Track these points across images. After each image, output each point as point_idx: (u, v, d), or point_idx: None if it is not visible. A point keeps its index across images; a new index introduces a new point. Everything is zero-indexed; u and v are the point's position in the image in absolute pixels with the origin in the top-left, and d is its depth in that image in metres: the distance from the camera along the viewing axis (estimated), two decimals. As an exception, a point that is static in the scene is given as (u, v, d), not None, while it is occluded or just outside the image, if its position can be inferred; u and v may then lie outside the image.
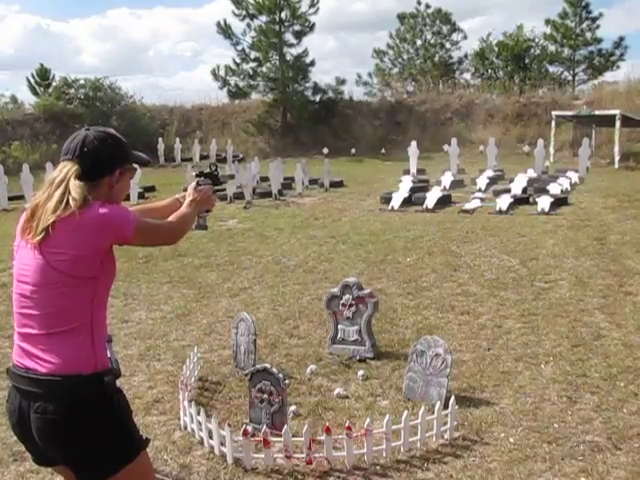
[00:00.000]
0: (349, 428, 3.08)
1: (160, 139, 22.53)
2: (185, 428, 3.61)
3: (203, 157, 22.05)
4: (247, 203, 12.50)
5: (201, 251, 8.53)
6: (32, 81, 28.40)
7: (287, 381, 3.53)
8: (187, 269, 7.60)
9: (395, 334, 5.03)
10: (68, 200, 1.92)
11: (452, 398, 3.47)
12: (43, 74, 27.81)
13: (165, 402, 4.01)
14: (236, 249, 8.60)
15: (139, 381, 4.38)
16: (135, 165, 2.20)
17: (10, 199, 13.67)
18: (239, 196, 13.12)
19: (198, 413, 3.43)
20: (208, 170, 2.48)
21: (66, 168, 2.01)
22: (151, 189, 15.23)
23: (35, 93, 27.24)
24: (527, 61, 30.43)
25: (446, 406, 3.44)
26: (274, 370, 3.46)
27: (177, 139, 22.71)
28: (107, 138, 2.09)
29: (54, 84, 26.42)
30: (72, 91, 24.47)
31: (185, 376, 3.99)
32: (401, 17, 33.52)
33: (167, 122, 25.68)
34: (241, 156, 22.14)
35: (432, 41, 33.71)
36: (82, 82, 24.57)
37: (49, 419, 1.90)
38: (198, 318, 5.76)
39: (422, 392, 3.78)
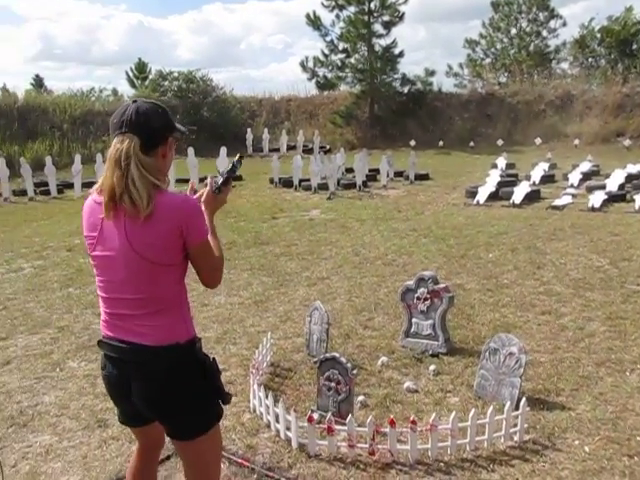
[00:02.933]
0: (413, 422, 3.05)
1: (249, 129, 23.06)
2: (254, 411, 3.70)
3: (290, 148, 22.38)
4: (331, 194, 12.58)
5: (283, 240, 8.68)
6: (131, 75, 29.91)
7: (355, 371, 3.53)
8: (268, 257, 7.75)
9: (470, 330, 4.91)
10: (150, 180, 1.94)
11: (523, 399, 3.35)
12: (141, 68, 29.19)
13: (237, 384, 4.12)
14: (317, 239, 8.68)
15: (215, 363, 4.52)
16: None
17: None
18: (323, 187, 13.24)
19: (266, 397, 3.51)
20: (225, 171, 2.36)
21: (126, 142, 1.96)
22: (238, 178, 15.60)
23: (133, 86, 28.67)
24: (635, 47, 28.45)
25: (517, 407, 3.33)
26: (342, 359, 3.48)
27: (265, 130, 23.15)
28: (157, 108, 2.07)
29: (150, 77, 27.63)
30: (166, 83, 25.46)
31: (257, 360, 4.09)
32: (495, 5, 32.31)
33: (256, 113, 26.27)
34: (328, 147, 22.28)
35: (528, 29, 32.26)
36: (176, 75, 25.53)
37: (152, 382, 2.05)
38: (275, 305, 5.87)
39: (494, 391, 3.68)
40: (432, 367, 4.20)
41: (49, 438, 3.57)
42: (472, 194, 11.43)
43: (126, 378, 2.08)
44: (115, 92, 29.21)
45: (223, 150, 14.72)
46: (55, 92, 26.61)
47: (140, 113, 2.00)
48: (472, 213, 10.23)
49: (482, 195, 11.14)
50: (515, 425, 3.27)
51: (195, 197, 2.32)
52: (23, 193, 14.17)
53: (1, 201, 13.71)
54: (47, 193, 14.35)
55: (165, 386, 2.06)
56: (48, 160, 14.61)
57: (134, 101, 2.06)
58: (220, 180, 2.34)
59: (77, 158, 14.81)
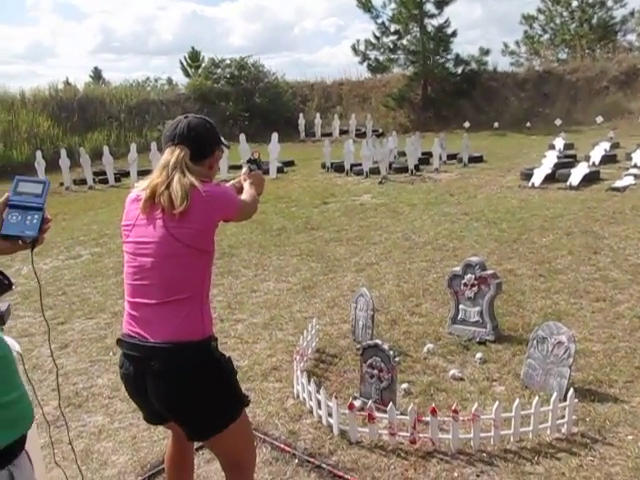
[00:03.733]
0: (455, 411, 3.02)
1: (301, 114, 23.10)
2: (297, 397, 3.74)
3: (343, 132, 22.29)
4: (382, 178, 12.47)
5: (333, 225, 8.68)
6: (184, 63, 30.37)
7: (397, 359, 3.51)
8: (317, 242, 7.77)
9: (520, 317, 4.80)
10: (189, 180, 2.08)
11: (571, 390, 3.25)
12: (194, 56, 29.58)
13: (282, 370, 4.17)
14: (367, 224, 8.64)
15: (260, 348, 4.59)
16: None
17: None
18: (375, 171, 13.13)
19: (309, 383, 3.53)
20: (253, 158, 2.64)
21: (176, 152, 2.16)
22: (290, 163, 15.68)
23: (187, 75, 29.09)
24: None
25: (566, 398, 3.24)
26: (385, 347, 3.46)
27: (317, 114, 23.12)
28: (205, 123, 2.27)
29: (203, 65, 27.97)
30: (219, 71, 25.72)
31: (301, 346, 4.12)
32: (556, -23, 31.06)
33: (308, 98, 26.23)
34: (380, 131, 22.08)
35: (591, 0, 30.86)
36: (228, 62, 25.75)
37: (165, 380, 2.07)
38: (323, 291, 5.89)
39: (541, 381, 3.59)
40: (479, 355, 4.13)
41: (102, 419, 3.71)
42: (527, 176, 11.10)
43: (142, 376, 2.11)
44: (170, 81, 29.80)
45: (275, 136, 14.79)
46: (112, 83, 27.28)
47: (191, 128, 2.21)
48: (526, 196, 9.94)
49: (537, 177, 10.80)
50: (563, 417, 3.18)
51: (235, 180, 2.64)
52: (83, 182, 14.67)
53: (63, 190, 14.24)
54: (105, 182, 14.81)
55: (179, 386, 2.08)
56: (106, 150, 15.07)
57: (186, 116, 2.27)
58: (246, 169, 2.63)
59: (133, 147, 15.19)
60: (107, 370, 4.33)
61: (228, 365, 2.18)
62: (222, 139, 2.34)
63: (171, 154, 2.17)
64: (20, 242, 1.64)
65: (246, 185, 2.54)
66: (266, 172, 13.89)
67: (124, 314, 2.20)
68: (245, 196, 2.45)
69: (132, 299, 2.16)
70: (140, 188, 2.19)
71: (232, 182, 2.65)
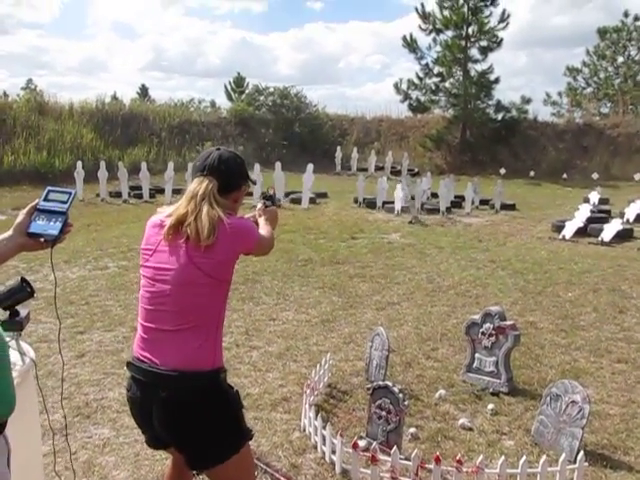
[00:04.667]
0: (459, 462, 2.97)
1: (338, 147, 23.36)
2: (304, 430, 3.72)
3: (378, 168, 22.43)
4: (413, 218, 12.48)
5: (358, 261, 8.69)
6: (229, 87, 31.09)
7: (407, 402, 3.48)
8: (341, 277, 7.78)
9: (537, 372, 4.72)
10: (217, 213, 2.11)
11: (581, 453, 3.17)
12: (239, 82, 30.30)
13: (292, 402, 4.16)
14: (392, 263, 8.63)
15: (272, 378, 4.59)
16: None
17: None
18: (406, 210, 13.15)
19: (315, 418, 3.52)
20: (270, 194, 2.71)
21: (205, 183, 2.19)
22: (323, 195, 15.79)
23: (230, 99, 29.78)
24: None
25: (576, 460, 3.16)
26: (395, 389, 3.44)
27: (355, 148, 23.36)
28: (236, 158, 2.31)
29: (247, 91, 28.60)
30: (262, 98, 26.28)
31: (313, 380, 4.11)
32: (602, 32, 31.10)
33: (347, 131, 26.55)
34: (416, 170, 22.16)
35: (637, 57, 30.80)
36: (271, 90, 26.33)
37: (171, 409, 2.09)
38: (341, 326, 5.88)
39: (552, 439, 3.52)
40: (490, 406, 4.06)
41: (108, 432, 3.75)
42: (559, 228, 11.01)
43: (149, 402, 2.12)
44: (213, 104, 30.51)
45: (310, 167, 14.96)
46: (157, 101, 28.09)
47: (222, 161, 2.24)
48: (556, 248, 9.84)
49: (569, 230, 10.70)
50: (571, 479, 3.11)
51: (250, 215, 2.65)
52: (118, 195, 15.02)
53: (98, 201, 14.58)
54: (140, 197, 15.14)
55: (184, 416, 2.08)
56: (143, 165, 15.43)
57: (218, 149, 2.30)
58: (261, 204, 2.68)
59: (170, 165, 15.54)
60: (119, 384, 4.37)
61: (235, 398, 2.18)
62: (249, 174, 2.38)
63: (199, 184, 2.19)
64: (42, 240, 1.86)
65: (261, 221, 2.57)
66: (298, 202, 14.04)
67: (136, 336, 2.23)
68: (263, 232, 2.46)
69: (146, 323, 2.18)
70: (164, 214, 2.21)
71: (247, 216, 2.66)
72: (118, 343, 5.28)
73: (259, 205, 2.66)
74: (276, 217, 2.65)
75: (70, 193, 1.96)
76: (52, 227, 1.86)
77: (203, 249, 2.06)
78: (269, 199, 2.68)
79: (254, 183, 2.47)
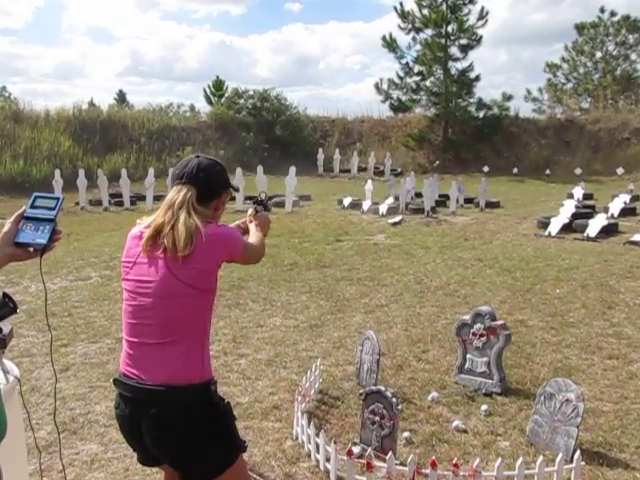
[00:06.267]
0: (456, 465, 2.96)
1: (320, 149, 23.39)
2: (297, 438, 3.69)
3: (361, 169, 22.48)
4: (398, 219, 12.48)
5: (345, 264, 8.68)
6: (208, 91, 30.96)
7: (400, 407, 3.46)
8: (328, 280, 7.76)
9: (529, 371, 4.73)
10: (194, 222, 2.07)
11: (578, 452, 3.18)
12: (218, 85, 30.18)
13: (283, 410, 4.12)
14: (379, 265, 8.63)
15: (262, 386, 4.55)
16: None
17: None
18: (391, 211, 13.17)
19: (308, 426, 3.49)
20: (260, 199, 2.66)
21: (183, 192, 2.16)
22: (306, 198, 15.76)
23: (210, 102, 29.64)
24: None
25: (572, 459, 3.16)
26: (388, 393, 3.42)
27: (337, 150, 23.39)
28: (216, 165, 2.28)
29: (227, 94, 28.54)
30: (242, 101, 26.26)
31: (304, 387, 4.08)
32: (580, 28, 31.44)
33: (328, 133, 26.60)
34: (399, 170, 22.25)
35: (615, 52, 31.19)
36: (251, 93, 26.33)
37: (162, 425, 2.05)
38: (330, 331, 5.85)
39: (547, 439, 3.52)
40: (484, 407, 4.06)
41: (96, 447, 3.68)
42: (544, 225, 11.10)
43: (138, 419, 2.08)
44: (192, 108, 30.40)
45: (292, 169, 14.94)
46: (136, 107, 27.88)
47: (201, 169, 2.20)
48: (542, 245, 9.91)
49: (554, 226, 10.78)
50: (569, 479, 3.11)
51: (240, 221, 2.65)
52: (98, 203, 14.88)
53: (78, 210, 14.43)
54: (120, 204, 15.01)
55: (176, 431, 2.05)
56: (123, 172, 15.32)
57: (197, 156, 2.28)
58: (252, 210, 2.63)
59: (150, 171, 15.42)
60: (106, 397, 4.31)
61: (227, 410, 2.15)
62: (231, 182, 2.34)
63: (177, 193, 2.16)
64: (31, 249, 1.81)
65: (252, 227, 2.54)
66: (281, 205, 14.00)
67: (122, 352, 2.19)
68: (252, 239, 2.44)
69: (130, 338, 2.14)
70: (144, 225, 2.18)
71: (237, 223, 2.65)
72: (103, 355, 5.20)
73: (250, 211, 2.62)
74: (268, 223, 2.60)
75: (58, 199, 1.91)
76: (40, 236, 1.81)
77: (181, 260, 2.03)
78: (260, 204, 2.63)
79: (236, 190, 2.43)
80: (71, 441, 3.76)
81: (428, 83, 24.76)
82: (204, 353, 2.13)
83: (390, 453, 3.09)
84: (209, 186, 2.21)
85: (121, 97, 39.64)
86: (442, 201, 14.46)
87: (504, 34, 62.71)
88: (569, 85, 31.72)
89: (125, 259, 2.19)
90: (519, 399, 4.21)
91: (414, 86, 24.88)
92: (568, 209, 11.96)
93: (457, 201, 14.09)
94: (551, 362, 4.91)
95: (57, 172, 15.18)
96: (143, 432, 2.09)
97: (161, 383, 2.03)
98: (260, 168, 15.33)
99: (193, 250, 2.03)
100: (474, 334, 4.44)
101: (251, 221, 2.58)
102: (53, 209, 1.86)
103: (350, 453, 3.12)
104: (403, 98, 25.14)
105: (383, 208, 13.27)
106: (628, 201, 13.48)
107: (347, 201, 14.31)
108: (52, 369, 2.92)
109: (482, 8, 23.46)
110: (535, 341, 5.41)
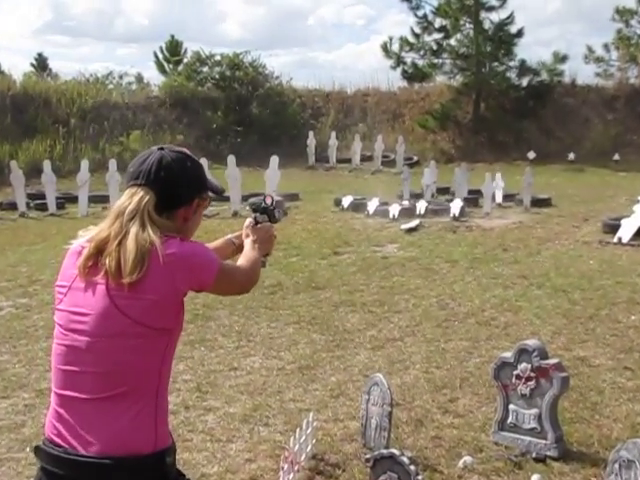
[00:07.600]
0: None
1: (311, 133, 23.47)
2: (282, 523, 3.68)
3: (365, 158, 22.53)
4: (415, 224, 12.55)
5: (344, 284, 8.73)
6: (160, 57, 31.08)
7: (421, 476, 3.45)
8: (322, 307, 7.79)
9: (596, 427, 4.73)
10: (149, 237, 2.05)
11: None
12: (174, 48, 30.34)
13: (264, 483, 4.12)
14: (390, 285, 8.69)
15: (237, 450, 4.53)
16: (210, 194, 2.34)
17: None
18: (405, 213, 13.24)
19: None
20: (264, 204, 2.61)
21: (138, 196, 2.14)
22: (293, 197, 15.76)
23: (163, 71, 29.78)
24: None
25: None
26: (404, 459, 3.42)
27: (333, 133, 23.54)
28: (186, 160, 2.25)
29: (185, 60, 28.64)
30: (205, 70, 26.38)
31: (292, 451, 4.06)
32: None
33: (322, 111, 26.75)
34: (415, 159, 22.35)
35: None
36: (218, 58, 26.42)
37: None
38: (326, 374, 5.87)
39: (622, 520, 3.51)
40: (536, 477, 4.05)
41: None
42: (613, 228, 11.18)
43: None
44: (139, 79, 30.50)
45: (274, 160, 14.98)
46: (62, 77, 27.96)
47: (163, 165, 2.18)
48: (610, 256, 10.00)
49: (627, 231, 10.85)
50: None
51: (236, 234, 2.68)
52: (12, 207, 14.83)
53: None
54: (43, 208, 14.95)
55: None
56: (47, 165, 15.30)
57: (160, 148, 2.25)
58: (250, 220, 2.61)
59: (84, 164, 15.41)
60: (20, 474, 4.27)
61: None
62: (212, 183, 2.33)
63: (130, 198, 2.15)
64: None
65: (247, 243, 2.53)
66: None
67: (49, 410, 2.17)
68: (242, 260, 2.43)
69: (60, 391, 2.12)
70: (86, 238, 2.17)
71: (230, 237, 2.65)
72: (18, 414, 5.16)
73: (248, 221, 2.60)
74: (270, 238, 2.61)
75: None
76: None
77: (127, 287, 2.00)
78: (264, 212, 2.59)
79: (218, 193, 2.39)
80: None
81: (453, 42, 25.01)
82: (158, 412, 2.11)
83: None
84: (173, 189, 2.18)
85: (41, 63, 39.66)
86: (473, 199, 14.55)
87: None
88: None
89: (59, 282, 2.18)
90: (584, 467, 4.20)
91: (435, 47, 25.07)
92: (645, 207, 12.03)
93: (493, 199, 14.16)
94: (627, 415, 4.91)
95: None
96: None
97: (99, 454, 2.01)
98: (232, 159, 15.32)
99: (145, 275, 2.01)
100: (519, 377, 4.44)
101: (248, 235, 2.56)
102: None
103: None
104: (420, 63, 25.34)
105: (394, 210, 13.33)
106: None
107: (347, 201, 14.38)
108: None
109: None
110: (603, 386, 5.42)
